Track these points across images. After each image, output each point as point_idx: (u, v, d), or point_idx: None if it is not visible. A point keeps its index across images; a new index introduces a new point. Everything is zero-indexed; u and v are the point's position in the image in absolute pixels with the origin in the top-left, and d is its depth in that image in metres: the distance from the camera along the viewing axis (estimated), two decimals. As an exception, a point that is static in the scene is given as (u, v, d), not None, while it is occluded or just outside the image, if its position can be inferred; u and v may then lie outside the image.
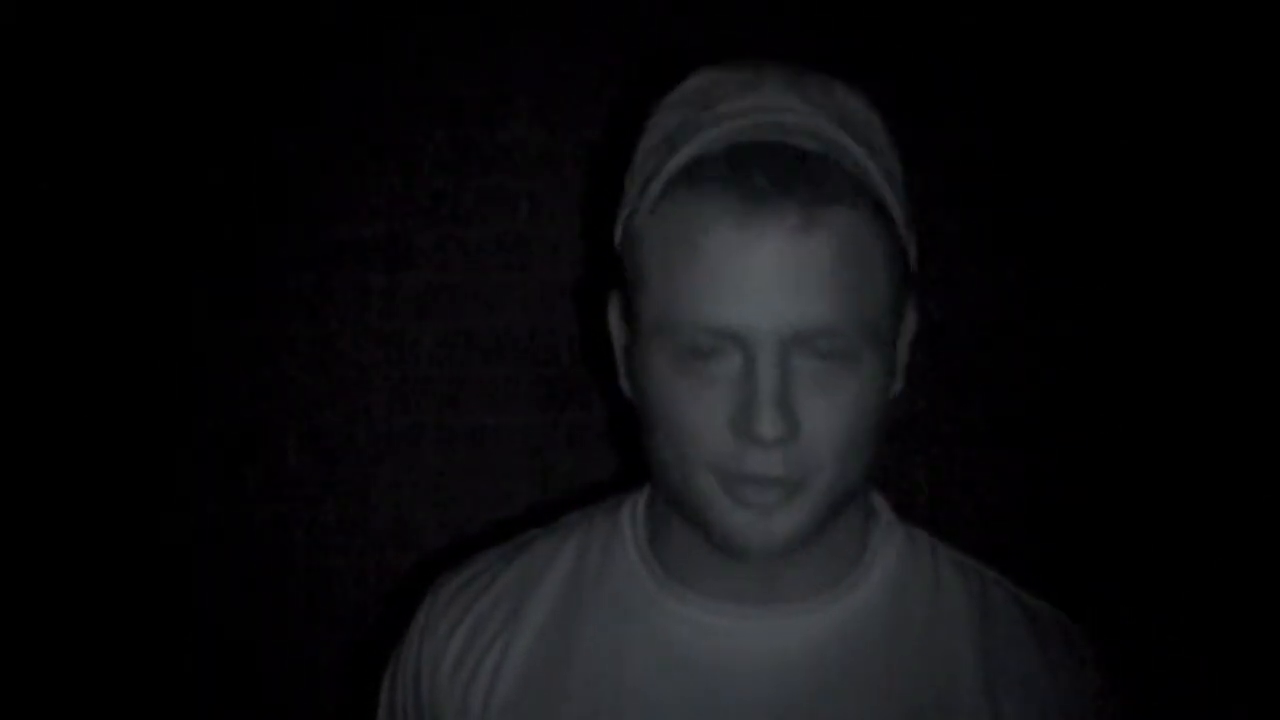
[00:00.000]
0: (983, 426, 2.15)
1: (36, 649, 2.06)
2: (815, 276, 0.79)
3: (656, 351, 0.83)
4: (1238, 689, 1.93)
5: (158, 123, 2.10)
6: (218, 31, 2.10)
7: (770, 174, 0.79)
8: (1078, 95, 2.09)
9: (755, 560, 0.84)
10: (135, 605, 2.14)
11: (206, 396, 2.20)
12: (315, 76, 2.16)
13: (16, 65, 2.03)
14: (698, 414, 0.82)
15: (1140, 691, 0.92)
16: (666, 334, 0.82)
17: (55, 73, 2.06)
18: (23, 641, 2.05)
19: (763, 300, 0.79)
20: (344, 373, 2.23)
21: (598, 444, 2.20)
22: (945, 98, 2.09)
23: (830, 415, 0.81)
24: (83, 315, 2.10)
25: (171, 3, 2.06)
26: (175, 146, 2.12)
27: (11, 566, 2.06)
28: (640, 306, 0.86)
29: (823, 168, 0.80)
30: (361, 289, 2.22)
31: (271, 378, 2.21)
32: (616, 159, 0.92)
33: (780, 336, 0.79)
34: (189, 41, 2.09)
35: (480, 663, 0.94)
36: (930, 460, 2.16)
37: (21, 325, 2.08)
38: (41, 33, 2.05)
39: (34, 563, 2.08)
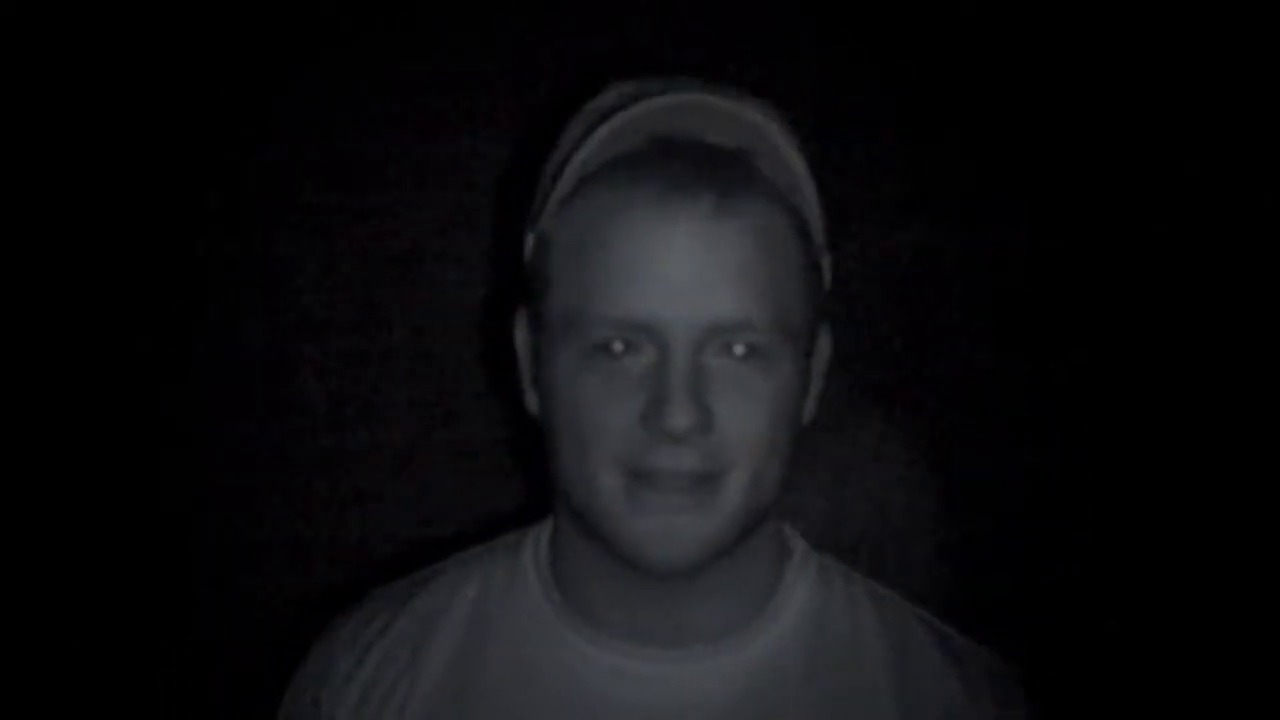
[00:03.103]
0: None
1: (32, 654, 2.07)
2: (730, 266, 0.78)
3: (564, 351, 0.82)
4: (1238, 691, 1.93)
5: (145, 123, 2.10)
6: (209, 35, 2.10)
7: (684, 163, 0.79)
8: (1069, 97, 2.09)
9: (662, 574, 0.81)
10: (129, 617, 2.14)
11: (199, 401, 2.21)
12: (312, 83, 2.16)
13: (16, 65, 2.03)
14: (606, 409, 0.80)
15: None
16: (576, 330, 0.81)
17: (51, 74, 2.07)
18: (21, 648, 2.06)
19: (677, 291, 0.78)
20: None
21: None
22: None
23: (745, 414, 0.79)
24: (75, 316, 2.11)
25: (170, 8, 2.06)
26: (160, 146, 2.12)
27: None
28: (548, 309, 0.84)
29: (738, 163, 0.81)
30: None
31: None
32: (528, 172, 0.90)
33: (694, 329, 0.78)
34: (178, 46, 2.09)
35: (381, 710, 0.90)
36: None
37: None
38: (39, 33, 2.05)
39: (29, 570, 2.09)
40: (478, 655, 0.90)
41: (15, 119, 2.01)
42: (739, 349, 0.79)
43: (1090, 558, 2.08)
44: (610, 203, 0.80)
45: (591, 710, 0.86)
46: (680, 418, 0.77)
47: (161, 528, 2.13)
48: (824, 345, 0.89)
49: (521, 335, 0.90)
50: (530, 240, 0.88)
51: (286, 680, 1.00)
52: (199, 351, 2.15)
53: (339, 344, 2.15)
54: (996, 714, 0.88)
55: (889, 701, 0.86)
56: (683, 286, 0.78)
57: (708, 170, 0.79)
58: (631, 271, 0.79)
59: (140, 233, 2.08)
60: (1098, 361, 2.10)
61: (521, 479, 2.05)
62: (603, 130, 0.82)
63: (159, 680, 2.12)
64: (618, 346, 0.79)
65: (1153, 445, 2.06)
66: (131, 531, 2.11)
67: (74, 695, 2.05)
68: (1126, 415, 2.09)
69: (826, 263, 0.88)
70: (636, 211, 0.79)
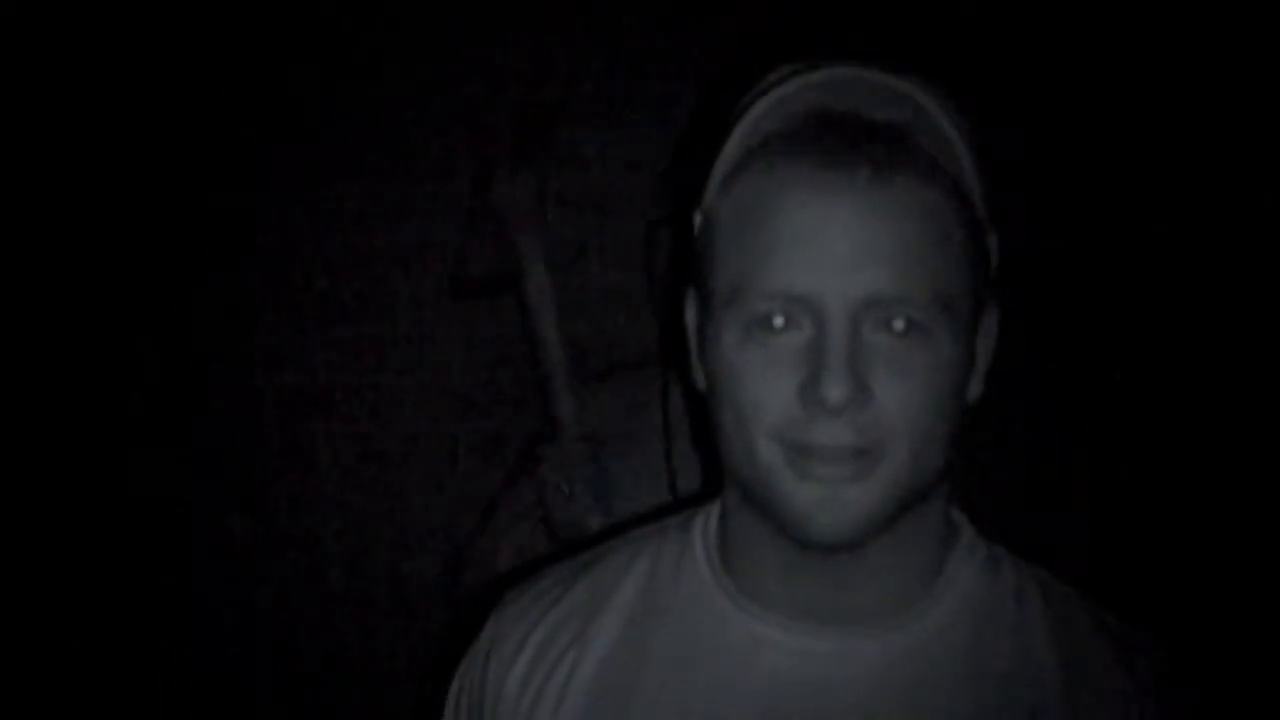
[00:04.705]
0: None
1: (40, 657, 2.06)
2: (887, 239, 0.78)
3: (727, 327, 0.82)
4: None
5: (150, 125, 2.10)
6: (214, 39, 2.10)
7: (841, 137, 0.79)
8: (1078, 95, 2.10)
9: (826, 543, 0.81)
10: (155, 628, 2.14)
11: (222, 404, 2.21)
12: (313, 85, 2.16)
13: (16, 65, 2.03)
14: (765, 383, 0.80)
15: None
16: (737, 305, 0.81)
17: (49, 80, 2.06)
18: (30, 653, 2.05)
19: (835, 263, 0.78)
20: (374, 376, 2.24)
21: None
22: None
23: (903, 389, 0.79)
24: (87, 318, 2.10)
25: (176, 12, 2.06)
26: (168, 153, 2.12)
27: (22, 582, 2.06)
28: (713, 286, 0.84)
29: (895, 136, 0.80)
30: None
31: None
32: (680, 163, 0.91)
33: (852, 302, 0.78)
34: (183, 50, 2.09)
35: (548, 680, 0.91)
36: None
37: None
38: (40, 37, 2.05)
39: (45, 576, 2.08)
40: (645, 629, 0.91)
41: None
42: (898, 324, 0.79)
43: (1090, 557, 2.08)
44: (769, 178, 0.81)
45: (753, 684, 0.86)
46: (836, 390, 0.77)
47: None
48: (991, 325, 0.88)
49: (690, 314, 0.91)
50: (697, 219, 0.88)
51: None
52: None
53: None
54: (1164, 705, 0.86)
55: (1054, 689, 0.86)
56: (840, 259, 0.78)
57: (864, 143, 0.79)
58: (790, 245, 0.79)
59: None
60: (1097, 362, 2.10)
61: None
62: (760, 106, 0.83)
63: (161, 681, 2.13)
64: (778, 321, 0.79)
65: (1154, 445, 2.07)
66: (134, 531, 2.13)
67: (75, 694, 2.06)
68: (1126, 416, 2.09)
69: (992, 241, 0.87)
70: (794, 186, 0.79)
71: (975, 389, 0.87)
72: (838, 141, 0.79)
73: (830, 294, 0.78)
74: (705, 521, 0.95)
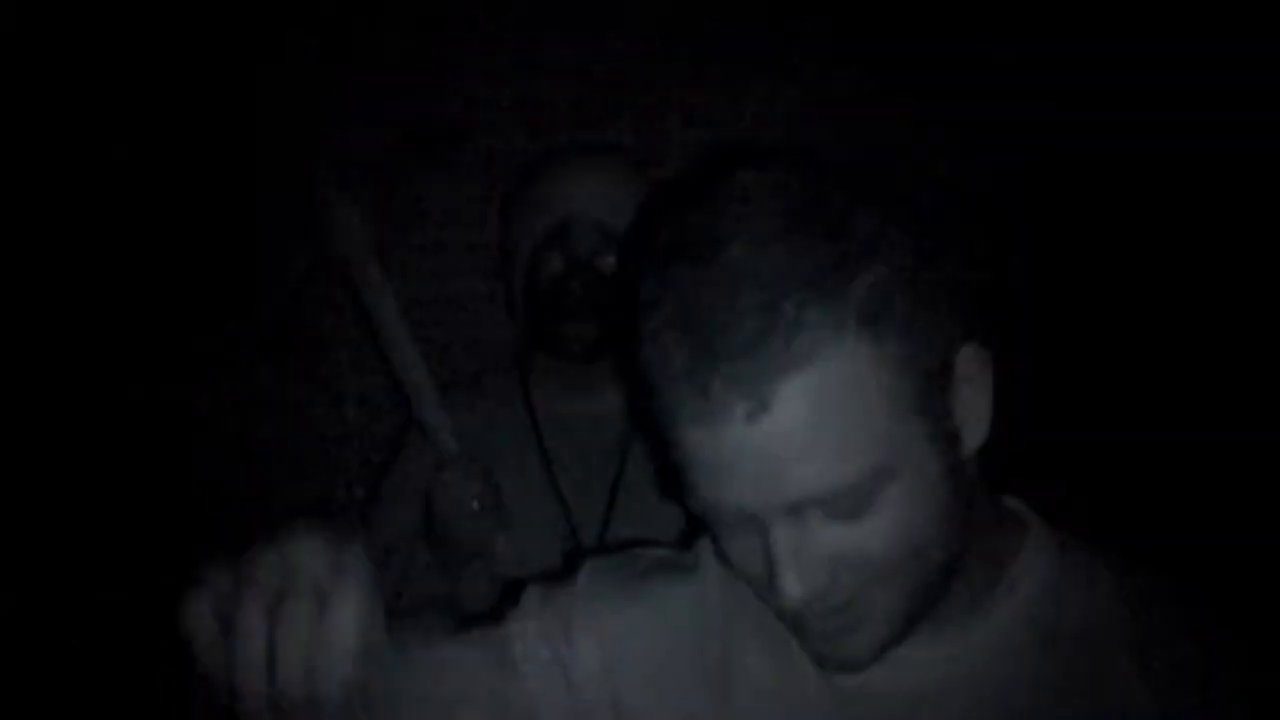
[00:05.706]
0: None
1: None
2: (785, 456, 0.75)
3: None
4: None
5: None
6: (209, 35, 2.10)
7: (712, 372, 0.75)
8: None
9: (845, 674, 0.84)
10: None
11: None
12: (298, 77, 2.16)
13: (16, 65, 2.02)
14: (737, 552, 0.83)
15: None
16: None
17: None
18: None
19: (744, 485, 0.77)
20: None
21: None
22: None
23: (867, 550, 0.78)
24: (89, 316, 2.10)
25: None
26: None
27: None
28: None
29: (768, 337, 0.74)
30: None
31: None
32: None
33: (778, 510, 0.77)
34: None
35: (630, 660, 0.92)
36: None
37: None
38: (40, 37, 2.05)
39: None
40: (738, 631, 0.93)
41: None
42: (839, 512, 0.78)
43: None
44: (670, 413, 0.79)
45: (828, 685, 0.88)
46: (793, 593, 0.78)
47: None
48: (973, 376, 0.83)
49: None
50: None
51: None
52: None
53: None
54: (1248, 681, 0.86)
55: (1133, 677, 0.86)
56: (747, 482, 0.77)
57: (737, 366, 0.74)
58: (704, 471, 0.79)
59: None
60: (1096, 361, 2.10)
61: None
62: (645, 348, 0.79)
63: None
64: (725, 517, 0.81)
65: (1153, 445, 2.07)
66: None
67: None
68: (1126, 416, 2.09)
69: (950, 315, 0.81)
70: (684, 423, 0.78)
71: (974, 440, 0.84)
72: (709, 379, 0.75)
73: (753, 507, 0.77)
74: None
